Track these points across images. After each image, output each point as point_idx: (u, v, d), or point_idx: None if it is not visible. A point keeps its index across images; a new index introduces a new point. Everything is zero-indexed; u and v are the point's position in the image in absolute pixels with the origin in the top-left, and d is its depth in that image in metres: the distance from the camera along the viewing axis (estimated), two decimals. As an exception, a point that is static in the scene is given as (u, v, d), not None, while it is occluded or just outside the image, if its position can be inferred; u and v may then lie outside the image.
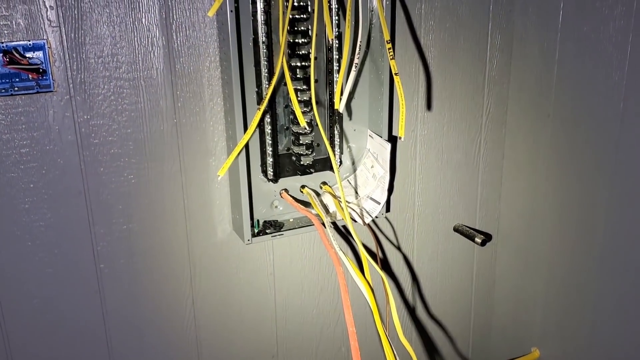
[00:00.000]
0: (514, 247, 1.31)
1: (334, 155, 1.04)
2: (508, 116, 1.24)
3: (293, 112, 0.97)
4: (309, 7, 0.94)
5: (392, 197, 1.18)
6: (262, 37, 0.91)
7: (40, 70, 0.86)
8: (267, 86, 0.93)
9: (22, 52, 0.84)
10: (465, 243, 1.28)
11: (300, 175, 1.03)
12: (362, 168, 1.07)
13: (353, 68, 0.91)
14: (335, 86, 0.99)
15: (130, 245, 0.99)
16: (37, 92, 0.87)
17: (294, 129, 1.00)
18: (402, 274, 1.26)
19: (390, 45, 0.92)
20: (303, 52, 0.96)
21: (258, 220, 1.02)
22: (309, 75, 0.94)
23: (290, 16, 0.92)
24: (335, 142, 1.04)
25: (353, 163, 1.08)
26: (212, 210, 1.03)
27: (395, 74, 0.91)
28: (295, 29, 0.94)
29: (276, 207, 1.04)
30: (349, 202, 1.06)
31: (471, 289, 1.35)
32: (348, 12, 0.91)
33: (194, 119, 0.97)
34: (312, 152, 1.01)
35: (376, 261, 0.98)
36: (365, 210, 1.06)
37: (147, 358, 1.07)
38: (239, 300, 1.11)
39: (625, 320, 1.09)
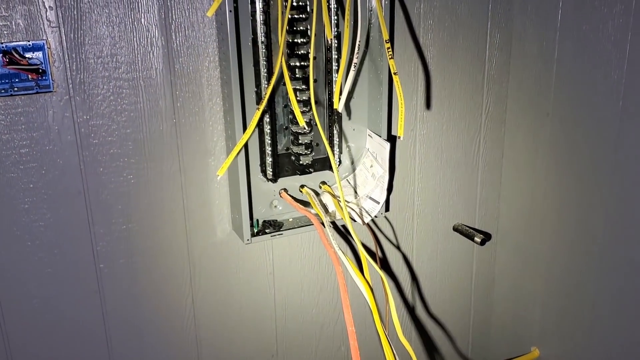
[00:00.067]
0: (514, 246, 1.31)
1: (333, 154, 1.04)
2: (507, 115, 1.24)
3: (292, 112, 0.97)
4: (308, 7, 0.94)
5: (391, 196, 1.18)
6: (261, 37, 0.91)
7: (40, 70, 0.86)
8: (266, 86, 0.93)
9: (21, 53, 0.84)
10: (464, 242, 1.28)
11: (300, 174, 1.03)
12: (361, 167, 1.08)
13: (352, 68, 0.91)
14: (334, 86, 0.99)
15: (130, 245, 0.99)
16: (37, 93, 0.87)
17: (293, 128, 1.00)
18: (402, 274, 1.26)
19: (389, 45, 0.92)
20: (302, 51, 0.96)
21: (257, 220, 1.02)
22: (308, 75, 0.94)
23: (289, 16, 0.92)
24: (335, 142, 1.04)
25: (352, 162, 1.08)
26: (212, 210, 1.03)
27: (395, 73, 0.91)
28: (295, 28, 0.95)
29: (275, 206, 1.04)
30: (348, 202, 1.06)
31: (471, 288, 1.35)
32: (347, 12, 0.91)
33: (193, 118, 0.97)
34: (311, 151, 1.02)
35: (375, 260, 0.98)
36: (364, 209, 1.06)
37: (147, 358, 1.07)
38: (238, 299, 1.11)
39: (624, 319, 1.09)
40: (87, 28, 0.87)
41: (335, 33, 0.97)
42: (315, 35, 0.94)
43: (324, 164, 1.05)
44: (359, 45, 0.91)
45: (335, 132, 1.03)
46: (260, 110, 0.90)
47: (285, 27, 0.89)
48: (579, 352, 1.20)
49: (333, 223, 0.99)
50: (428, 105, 1.16)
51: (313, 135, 1.01)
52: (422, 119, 1.16)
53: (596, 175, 1.08)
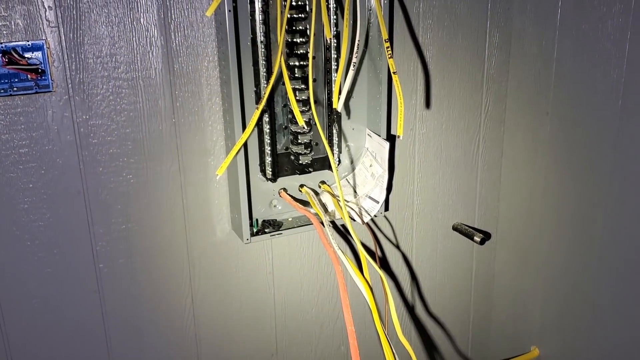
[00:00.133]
0: (513, 245, 1.31)
1: (333, 154, 1.04)
2: (507, 114, 1.24)
3: (291, 112, 0.97)
4: (307, 7, 0.94)
5: (390, 195, 1.18)
6: (260, 37, 0.91)
7: (39, 70, 0.86)
8: (265, 85, 0.93)
9: (20, 53, 0.84)
10: (464, 241, 1.28)
11: (299, 174, 1.03)
12: (360, 167, 1.08)
13: (351, 67, 0.91)
14: (333, 85, 0.99)
15: (129, 245, 0.99)
16: (36, 92, 0.87)
17: (293, 128, 1.00)
18: (401, 273, 1.26)
19: (388, 44, 0.92)
20: (301, 51, 0.96)
21: (257, 220, 1.02)
22: (307, 75, 0.94)
23: (289, 15, 0.92)
24: (334, 141, 1.04)
25: (352, 162, 1.08)
26: (211, 209, 1.03)
27: (394, 72, 0.91)
28: (294, 28, 0.95)
29: (275, 206, 1.04)
30: (347, 201, 1.06)
31: (470, 287, 1.35)
32: (346, 11, 0.91)
33: (193, 118, 0.97)
34: (310, 151, 1.02)
35: (375, 260, 0.98)
36: (364, 209, 1.06)
37: (146, 357, 1.07)
38: (238, 299, 1.11)
39: (624, 318, 1.09)
40: (87, 28, 0.87)
41: (335, 32, 0.97)
42: (314, 34, 0.94)
43: (323, 164, 1.05)
44: (358, 44, 0.91)
45: (334, 131, 1.03)
46: (260, 109, 0.90)
47: (285, 26, 0.89)
48: (579, 351, 1.20)
49: (332, 222, 0.99)
50: (427, 104, 1.16)
51: (312, 135, 1.01)
52: (421, 118, 1.16)
53: (595, 174, 1.08)
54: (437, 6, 1.10)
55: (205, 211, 1.03)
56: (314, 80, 0.98)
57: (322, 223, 0.95)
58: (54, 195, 0.92)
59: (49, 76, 0.87)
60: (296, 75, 0.96)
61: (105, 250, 0.98)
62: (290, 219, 1.05)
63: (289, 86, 0.91)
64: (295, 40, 0.95)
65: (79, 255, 0.97)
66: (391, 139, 1.08)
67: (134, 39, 0.90)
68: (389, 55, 0.92)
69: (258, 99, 0.94)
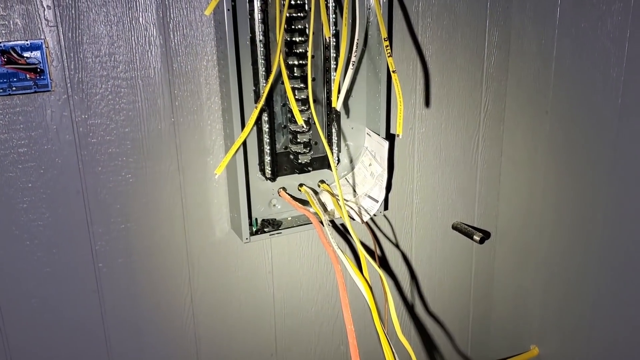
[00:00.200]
0: (513, 244, 1.31)
1: (332, 153, 1.04)
2: (506, 113, 1.24)
3: (291, 111, 0.97)
4: (306, 6, 0.94)
5: (390, 195, 1.18)
6: (259, 36, 0.91)
7: (38, 69, 0.86)
8: (264, 84, 0.93)
9: (19, 52, 0.84)
10: (463, 241, 1.28)
11: (298, 173, 1.03)
12: (360, 166, 1.07)
13: (350, 66, 0.91)
14: (332, 84, 0.99)
15: (129, 244, 0.99)
16: (35, 92, 0.87)
17: (292, 127, 1.00)
18: (401, 272, 1.26)
19: (387, 43, 0.92)
20: (300, 50, 0.96)
21: (256, 219, 1.02)
22: (307, 74, 0.94)
23: (288, 14, 0.92)
24: (333, 141, 1.04)
25: (351, 161, 1.08)
26: (210, 209, 1.03)
27: (393, 71, 0.91)
28: (293, 27, 0.94)
29: (274, 205, 1.04)
30: (347, 201, 1.06)
31: (470, 286, 1.35)
32: (345, 10, 0.91)
33: (192, 117, 0.97)
34: (309, 150, 1.02)
35: (374, 259, 0.98)
36: (363, 208, 1.06)
37: (146, 356, 1.07)
38: (237, 298, 1.11)
39: (623, 317, 1.09)
40: (85, 27, 0.87)
41: (334, 31, 0.97)
42: (313, 33, 0.93)
43: (322, 163, 1.05)
44: (357, 43, 0.91)
45: (333, 130, 1.03)
46: (258, 108, 0.90)
47: (284, 25, 0.89)
48: (579, 350, 1.20)
49: (332, 222, 0.99)
50: (427, 103, 1.16)
51: (312, 134, 1.01)
52: (420, 117, 1.16)
53: (595, 173, 1.08)
54: (437, 5, 1.10)
55: (204, 210, 1.03)
56: (313, 79, 0.98)
57: (321, 222, 0.95)
58: (53, 194, 0.92)
59: (48, 75, 0.87)
60: (295, 74, 0.96)
61: (105, 250, 0.98)
62: (289, 219, 1.05)
63: (288, 85, 0.91)
64: (294, 39, 0.95)
65: (78, 255, 0.97)
66: (390, 138, 1.08)
67: (132, 38, 0.90)
68: (388, 54, 0.92)
69: (257, 98, 0.94)
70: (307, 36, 0.94)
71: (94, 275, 0.99)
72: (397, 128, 0.92)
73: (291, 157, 1.02)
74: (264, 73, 0.93)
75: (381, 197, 1.04)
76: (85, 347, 1.02)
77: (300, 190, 1.04)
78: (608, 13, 1.00)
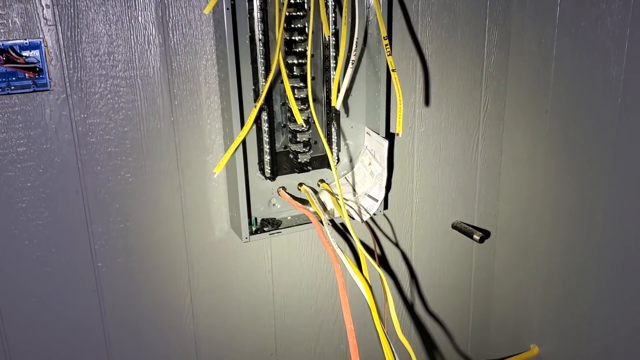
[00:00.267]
0: (513, 243, 1.31)
1: (332, 152, 1.04)
2: (506, 112, 1.24)
3: (290, 110, 0.97)
4: (306, 5, 0.93)
5: (390, 194, 1.18)
6: (258, 35, 0.91)
7: (37, 69, 0.86)
8: (263, 83, 0.93)
9: (18, 51, 0.84)
10: (463, 240, 1.28)
11: (298, 172, 1.03)
12: (359, 165, 1.07)
13: (350, 65, 0.91)
14: (332, 83, 0.99)
15: (128, 243, 0.99)
16: (34, 91, 0.87)
17: (291, 126, 0.99)
18: (401, 271, 1.26)
19: (387, 42, 0.92)
20: (300, 49, 0.95)
21: (256, 218, 1.02)
22: (306, 73, 0.93)
23: (287, 13, 0.91)
24: (333, 140, 1.04)
25: (350, 160, 1.08)
26: (210, 208, 1.03)
27: (393, 70, 0.91)
28: (292, 26, 0.94)
29: (274, 205, 1.04)
30: (346, 200, 1.06)
31: (470, 285, 1.35)
32: (345, 9, 0.91)
33: (191, 117, 0.97)
34: (309, 149, 1.01)
35: (374, 258, 0.98)
36: (363, 207, 1.06)
37: (145, 356, 1.07)
38: (237, 298, 1.11)
39: (623, 317, 1.09)
40: (84, 26, 0.87)
41: (333, 30, 0.97)
42: (312, 32, 0.93)
43: (322, 162, 1.04)
44: (356, 42, 0.91)
45: (333, 129, 1.03)
46: (258, 107, 0.90)
47: (283, 24, 0.89)
48: (579, 350, 1.20)
49: (332, 221, 0.99)
50: (426, 102, 1.15)
51: (311, 133, 1.01)
52: (420, 117, 1.16)
53: (595, 172, 1.08)
54: (436, 4, 1.10)
55: (204, 210, 1.03)
56: (313, 78, 0.98)
57: (321, 222, 0.95)
58: (52, 194, 0.92)
59: (47, 75, 0.87)
60: (295, 73, 0.96)
61: (104, 249, 0.98)
62: (289, 218, 1.05)
63: (287, 84, 0.90)
64: (293, 38, 0.95)
65: (78, 254, 0.97)
66: (390, 137, 1.08)
67: (131, 37, 0.90)
68: (388, 53, 0.92)
69: (256, 97, 0.94)
70: (307, 35, 0.94)
71: (93, 275, 0.98)
72: (397, 127, 0.92)
73: (291, 156, 1.02)
74: (263, 72, 0.93)
75: (381, 197, 1.04)
76: (85, 347, 1.02)
77: (299, 189, 1.04)
78: (608, 12, 1.00)
